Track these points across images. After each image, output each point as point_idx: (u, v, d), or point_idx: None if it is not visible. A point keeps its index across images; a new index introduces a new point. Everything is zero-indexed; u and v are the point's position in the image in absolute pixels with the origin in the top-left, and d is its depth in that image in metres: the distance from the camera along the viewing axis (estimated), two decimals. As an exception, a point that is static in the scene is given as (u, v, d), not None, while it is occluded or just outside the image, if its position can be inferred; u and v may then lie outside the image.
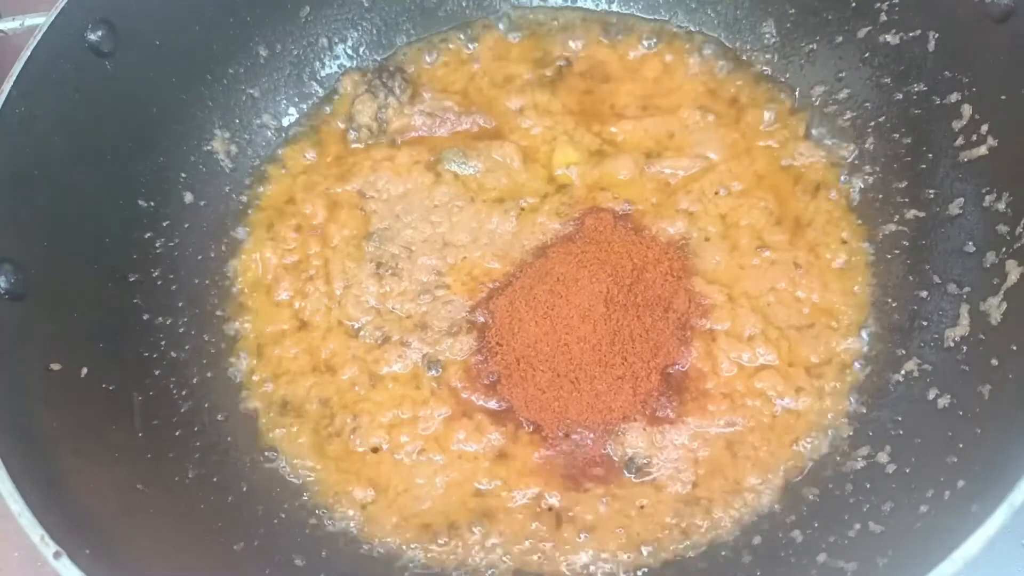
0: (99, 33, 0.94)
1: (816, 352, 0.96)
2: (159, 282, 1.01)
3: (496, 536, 0.90)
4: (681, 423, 0.93)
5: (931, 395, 0.85)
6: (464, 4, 1.22)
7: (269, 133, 1.16)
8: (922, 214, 0.96)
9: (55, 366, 0.84)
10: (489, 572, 0.89)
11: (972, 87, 0.91)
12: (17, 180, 0.87)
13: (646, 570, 0.88)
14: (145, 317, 0.98)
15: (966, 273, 0.88)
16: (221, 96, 1.11)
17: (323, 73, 1.19)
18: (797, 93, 1.11)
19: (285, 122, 1.17)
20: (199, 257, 1.06)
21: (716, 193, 1.05)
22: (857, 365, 0.95)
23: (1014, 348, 0.78)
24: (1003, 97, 0.86)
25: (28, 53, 0.88)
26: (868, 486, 0.84)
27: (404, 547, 0.91)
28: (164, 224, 1.04)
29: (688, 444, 0.92)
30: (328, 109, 1.18)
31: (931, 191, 0.95)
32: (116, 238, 0.98)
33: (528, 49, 1.19)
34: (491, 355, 0.98)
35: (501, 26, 1.21)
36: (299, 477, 0.96)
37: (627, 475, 0.92)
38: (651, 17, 1.19)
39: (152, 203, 1.03)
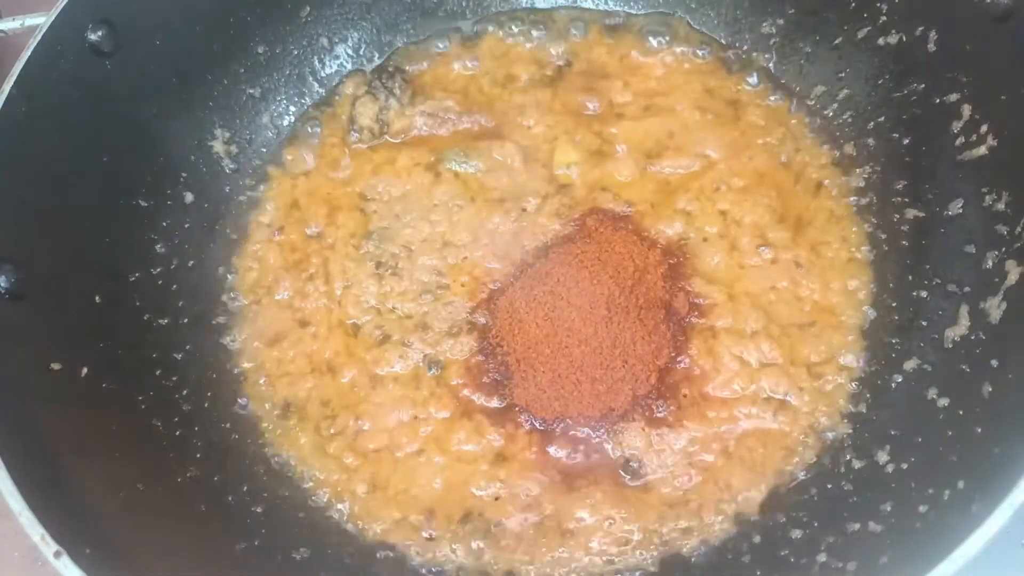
0: (99, 33, 0.94)
1: (817, 351, 0.96)
2: (159, 282, 1.01)
3: (492, 536, 0.90)
4: (680, 424, 0.93)
5: (931, 395, 0.85)
6: (464, 4, 1.22)
7: (270, 133, 1.16)
8: (922, 214, 0.96)
9: (55, 366, 0.84)
10: (484, 571, 0.89)
11: (972, 87, 0.91)
12: (17, 180, 0.87)
13: (644, 570, 0.88)
14: (145, 317, 0.98)
15: (966, 273, 0.88)
16: (221, 96, 1.11)
17: (324, 73, 1.19)
18: (797, 93, 1.11)
19: (285, 122, 1.17)
20: (199, 257, 1.06)
21: (717, 190, 1.05)
22: (857, 364, 0.95)
23: (1014, 348, 0.78)
24: (1003, 97, 0.86)
25: (28, 53, 0.88)
26: (868, 486, 0.84)
27: (402, 546, 0.91)
28: (164, 224, 1.04)
29: (687, 445, 0.92)
30: (329, 109, 1.18)
31: (931, 191, 0.95)
32: (116, 238, 0.98)
33: (528, 48, 1.19)
34: (491, 356, 0.98)
35: (501, 25, 1.21)
36: (300, 477, 0.96)
37: (624, 476, 0.92)
38: (651, 16, 1.19)
39: (152, 203, 1.03)
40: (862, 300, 0.98)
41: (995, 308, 0.82)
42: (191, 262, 1.05)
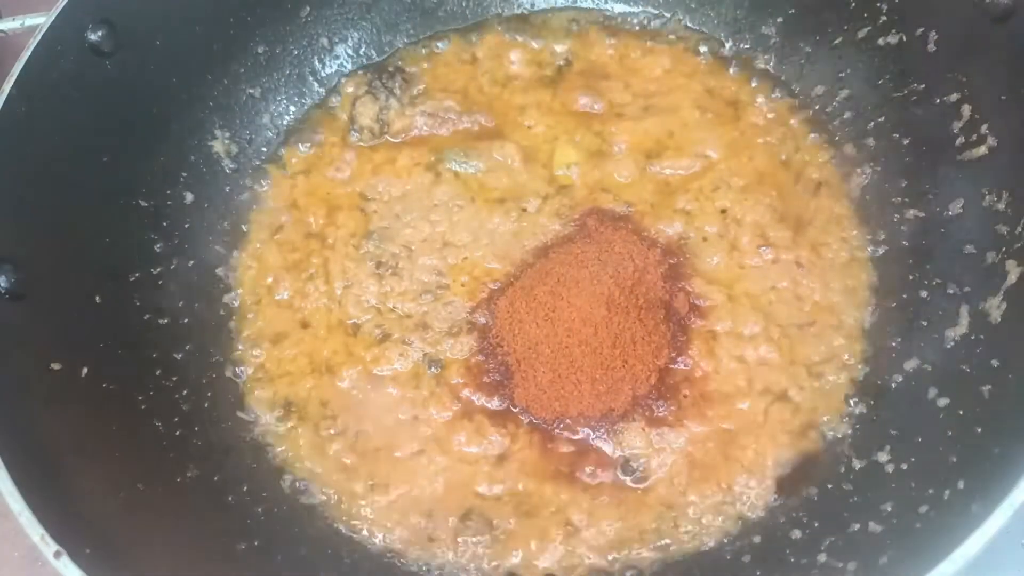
0: (99, 33, 0.94)
1: (817, 351, 0.96)
2: (159, 282, 1.01)
3: (493, 535, 0.90)
4: (680, 424, 0.93)
5: (931, 395, 0.85)
6: (464, 4, 1.22)
7: (270, 133, 1.16)
8: (922, 214, 0.96)
9: (55, 366, 0.84)
10: (485, 571, 0.89)
11: (972, 87, 0.91)
12: (17, 180, 0.87)
13: (643, 570, 0.88)
14: (145, 317, 0.98)
15: (966, 273, 0.88)
16: (221, 96, 1.11)
17: (324, 73, 1.19)
18: (797, 93, 1.11)
19: (285, 122, 1.17)
20: (199, 257, 1.06)
21: (716, 189, 1.05)
22: (857, 365, 0.95)
23: (1014, 348, 0.78)
24: (1003, 97, 0.86)
25: (28, 53, 0.88)
26: (868, 486, 0.84)
27: (402, 545, 0.91)
28: (164, 224, 1.04)
29: (687, 445, 0.92)
30: (329, 109, 1.18)
31: (931, 191, 0.95)
32: (116, 238, 0.98)
33: (528, 48, 1.19)
34: (491, 356, 0.98)
35: (501, 26, 1.21)
36: (300, 477, 0.96)
37: (624, 476, 0.92)
38: (651, 16, 1.20)
39: (152, 203, 1.03)
40: (862, 300, 0.98)
41: (995, 308, 0.82)
42: (191, 262, 1.05)
